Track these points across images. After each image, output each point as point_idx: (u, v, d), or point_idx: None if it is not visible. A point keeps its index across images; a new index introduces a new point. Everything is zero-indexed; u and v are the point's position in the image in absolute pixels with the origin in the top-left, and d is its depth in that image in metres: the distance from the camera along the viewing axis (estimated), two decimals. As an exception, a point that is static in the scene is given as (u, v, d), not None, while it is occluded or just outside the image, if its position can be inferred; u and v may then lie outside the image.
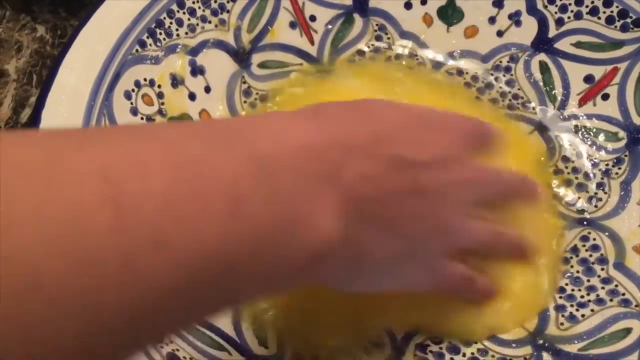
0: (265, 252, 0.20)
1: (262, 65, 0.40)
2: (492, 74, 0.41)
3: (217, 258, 0.18)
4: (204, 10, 0.39)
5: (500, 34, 0.41)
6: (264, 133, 0.22)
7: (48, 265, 0.15)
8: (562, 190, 0.38)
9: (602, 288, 0.34)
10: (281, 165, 0.21)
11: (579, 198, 0.37)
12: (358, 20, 0.42)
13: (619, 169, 0.38)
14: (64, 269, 0.15)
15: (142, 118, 0.35)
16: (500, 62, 0.41)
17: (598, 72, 0.39)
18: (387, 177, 0.24)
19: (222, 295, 0.20)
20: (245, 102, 0.40)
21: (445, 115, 0.29)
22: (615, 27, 0.39)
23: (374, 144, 0.24)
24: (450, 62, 0.42)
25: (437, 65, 0.42)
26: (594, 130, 0.39)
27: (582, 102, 0.40)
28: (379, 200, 0.24)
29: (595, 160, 0.38)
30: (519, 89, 0.41)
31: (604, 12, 0.39)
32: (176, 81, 0.37)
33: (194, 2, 0.38)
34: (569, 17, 0.40)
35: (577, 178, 0.38)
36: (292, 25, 0.41)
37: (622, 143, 0.38)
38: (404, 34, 0.42)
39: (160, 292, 0.17)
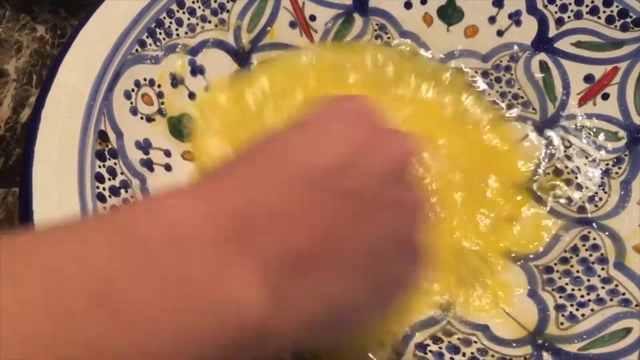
0: (172, 350, 0.16)
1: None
2: (492, 74, 0.41)
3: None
4: (203, 10, 0.39)
5: (500, 33, 0.41)
6: (143, 214, 0.19)
7: None
8: (562, 190, 0.38)
9: (602, 288, 0.34)
10: (167, 241, 0.18)
11: (579, 198, 0.37)
12: (358, 20, 0.42)
13: (619, 168, 0.38)
14: None
15: (142, 117, 0.35)
16: (500, 61, 0.41)
17: (598, 71, 0.39)
18: (311, 206, 0.21)
19: None
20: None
21: (334, 104, 0.25)
22: (616, 26, 0.39)
23: (286, 175, 0.21)
24: (450, 62, 0.42)
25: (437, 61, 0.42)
26: (594, 129, 0.39)
27: (582, 102, 0.40)
28: (313, 239, 0.20)
29: (596, 160, 0.38)
30: (519, 89, 0.41)
31: (604, 12, 0.39)
32: (176, 81, 0.37)
33: (193, 2, 0.38)
34: (569, 17, 0.40)
35: (577, 178, 0.38)
36: (292, 24, 0.41)
37: (622, 142, 0.38)
38: (404, 34, 0.42)
39: None
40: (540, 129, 0.40)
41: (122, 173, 0.32)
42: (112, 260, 0.16)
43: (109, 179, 0.31)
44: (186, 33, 0.38)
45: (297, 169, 0.21)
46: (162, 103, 0.36)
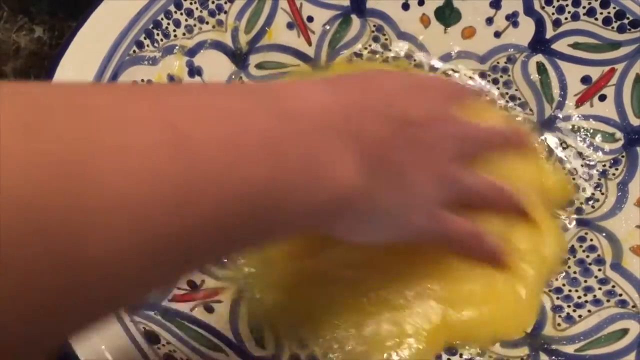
0: (298, 190, 0.23)
1: (259, 66, 0.40)
2: (489, 75, 0.41)
3: (261, 192, 0.21)
4: (201, 11, 0.39)
5: (497, 34, 0.41)
6: (293, 94, 0.25)
7: (119, 186, 0.17)
8: (559, 191, 0.38)
9: (599, 289, 0.34)
10: (309, 121, 0.24)
11: (576, 199, 0.38)
12: (355, 21, 0.42)
13: (616, 169, 0.38)
14: (127, 190, 0.17)
15: (139, 119, 0.35)
16: (498, 63, 0.41)
17: (595, 73, 0.39)
18: (393, 134, 0.27)
19: (261, 226, 0.23)
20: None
21: (431, 80, 0.34)
22: (613, 28, 0.39)
23: (381, 106, 0.28)
24: (448, 63, 0.42)
25: (434, 66, 0.42)
26: (591, 131, 0.39)
27: (579, 103, 0.40)
28: (387, 155, 0.27)
29: (593, 161, 0.38)
30: (516, 90, 0.41)
31: (601, 13, 0.39)
32: (174, 82, 0.37)
33: (191, 3, 0.38)
34: (566, 18, 0.40)
35: (574, 179, 0.38)
36: (290, 26, 0.41)
37: (619, 144, 0.38)
38: (402, 35, 0.42)
39: (213, 220, 0.20)
40: (537, 130, 0.40)
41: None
42: (272, 124, 0.23)
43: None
44: (184, 34, 0.38)
45: (386, 105, 0.28)
46: (160, 104, 0.36)
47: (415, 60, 0.42)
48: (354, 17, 0.42)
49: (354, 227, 0.28)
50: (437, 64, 0.42)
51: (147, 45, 0.36)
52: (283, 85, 0.27)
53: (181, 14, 0.38)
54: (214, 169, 0.20)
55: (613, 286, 0.34)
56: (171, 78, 0.37)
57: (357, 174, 0.25)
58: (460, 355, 0.33)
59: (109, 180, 0.17)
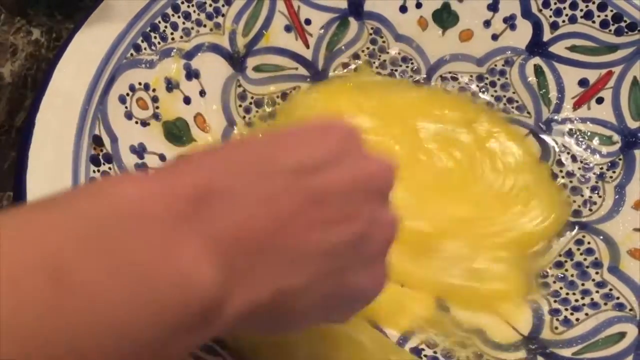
0: (123, 327, 0.17)
1: (257, 69, 0.40)
2: (487, 78, 0.41)
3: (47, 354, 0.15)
4: (199, 14, 0.39)
5: (495, 37, 0.41)
6: (95, 195, 0.19)
7: None
8: (556, 194, 0.38)
9: (597, 292, 0.34)
10: (119, 220, 0.18)
11: (574, 201, 0.38)
12: (353, 24, 0.42)
13: (614, 172, 0.38)
14: None
15: (136, 122, 0.35)
16: (495, 65, 0.41)
17: (592, 75, 0.39)
18: (270, 199, 0.21)
19: None
20: (240, 105, 0.39)
21: (319, 122, 0.25)
22: (610, 30, 0.39)
23: (245, 172, 0.21)
24: (445, 66, 0.42)
25: (431, 69, 0.42)
26: (589, 133, 0.39)
27: (576, 106, 0.40)
28: (265, 227, 0.20)
29: (590, 164, 0.38)
30: (513, 93, 0.41)
31: (599, 16, 0.39)
32: (171, 85, 0.37)
33: (189, 6, 0.38)
34: (563, 21, 0.40)
35: (571, 182, 0.38)
36: (287, 28, 0.41)
37: (617, 147, 0.38)
38: (399, 38, 0.42)
39: None
40: (534, 133, 0.40)
41: (116, 177, 0.32)
42: (66, 239, 0.17)
43: (104, 184, 0.31)
44: (181, 37, 0.38)
45: (265, 161, 0.21)
46: (157, 107, 0.36)
47: (412, 63, 0.42)
48: (351, 19, 0.42)
49: (265, 328, 0.23)
50: (435, 66, 0.42)
51: (145, 48, 0.36)
52: (95, 184, 0.20)
53: (179, 17, 0.38)
54: None
55: (610, 289, 0.34)
56: (168, 81, 0.37)
57: (212, 272, 0.18)
58: (457, 359, 0.33)
59: None
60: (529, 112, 0.40)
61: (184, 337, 0.18)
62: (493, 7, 0.41)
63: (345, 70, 0.42)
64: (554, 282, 0.35)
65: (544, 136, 0.40)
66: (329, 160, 0.22)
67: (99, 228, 0.17)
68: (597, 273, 0.35)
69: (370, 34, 0.42)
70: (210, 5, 0.39)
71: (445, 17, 0.42)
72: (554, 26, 0.40)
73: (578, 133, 0.39)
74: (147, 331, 0.17)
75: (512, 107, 0.41)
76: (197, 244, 0.18)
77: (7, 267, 0.15)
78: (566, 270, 0.35)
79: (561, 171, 0.38)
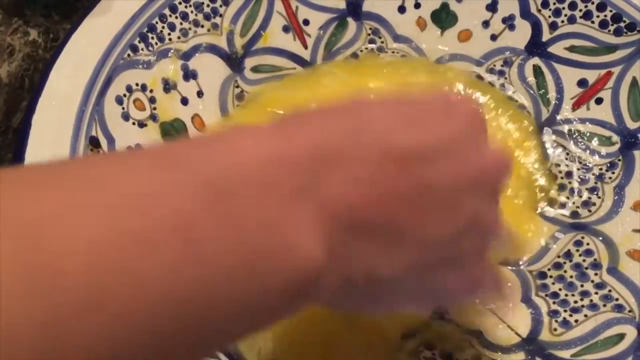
0: (235, 287, 0.18)
1: (255, 69, 0.40)
2: (485, 79, 0.41)
3: (172, 305, 0.16)
4: (196, 15, 0.39)
5: (494, 37, 0.41)
6: (218, 152, 0.19)
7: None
8: (555, 195, 0.38)
9: (596, 293, 0.34)
10: (241, 185, 0.18)
11: (573, 203, 0.37)
12: (351, 24, 0.42)
13: (613, 173, 0.38)
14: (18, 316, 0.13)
15: (133, 123, 0.35)
16: (494, 66, 0.41)
17: (592, 76, 0.39)
18: (382, 177, 0.20)
19: (196, 344, 0.17)
20: (238, 106, 0.39)
21: (444, 97, 0.25)
22: (609, 31, 0.39)
23: (359, 143, 0.20)
24: (444, 67, 0.42)
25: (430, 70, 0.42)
26: (588, 134, 0.39)
27: (575, 106, 0.40)
28: (374, 207, 0.20)
29: (589, 165, 0.38)
30: (512, 93, 0.41)
31: (598, 16, 0.39)
32: (168, 86, 0.37)
33: (186, 7, 0.38)
34: (562, 21, 0.40)
35: (570, 182, 0.38)
36: (285, 29, 0.41)
37: (616, 147, 0.38)
38: (398, 38, 0.42)
39: (140, 333, 0.15)
40: (533, 133, 0.40)
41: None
42: (194, 200, 0.17)
43: (100, 185, 0.31)
44: (179, 38, 0.38)
45: (381, 134, 0.21)
46: (155, 108, 0.36)
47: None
48: (350, 20, 0.42)
49: (347, 303, 0.23)
50: (433, 67, 0.42)
51: (142, 49, 0.36)
52: (204, 142, 0.20)
53: (176, 17, 0.38)
54: (81, 292, 0.15)
55: (609, 291, 0.34)
56: (166, 82, 0.37)
57: (321, 244, 0.19)
58: (456, 361, 0.33)
59: None
60: (528, 113, 0.40)
61: (283, 306, 0.20)
62: (492, 8, 0.41)
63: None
64: (553, 283, 0.35)
65: (542, 137, 0.39)
66: (448, 148, 0.21)
67: (221, 192, 0.18)
68: (596, 274, 0.35)
69: (369, 35, 0.42)
70: (208, 5, 0.39)
71: (444, 18, 0.42)
72: (553, 26, 0.40)
73: (577, 134, 0.39)
74: (252, 298, 0.18)
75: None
76: (309, 216, 0.19)
77: (138, 221, 0.16)
78: (565, 271, 0.35)
79: (560, 172, 0.38)
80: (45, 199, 0.15)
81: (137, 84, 0.35)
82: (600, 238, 0.36)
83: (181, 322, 0.16)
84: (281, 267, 0.18)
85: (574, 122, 0.39)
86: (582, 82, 0.39)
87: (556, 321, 0.34)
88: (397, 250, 0.21)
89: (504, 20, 0.41)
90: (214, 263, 0.17)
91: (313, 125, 0.21)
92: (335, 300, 0.22)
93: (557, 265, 0.35)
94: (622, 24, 0.38)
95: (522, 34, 0.41)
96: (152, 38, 0.37)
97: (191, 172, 0.18)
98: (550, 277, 0.35)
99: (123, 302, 0.15)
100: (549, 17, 0.40)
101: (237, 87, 0.40)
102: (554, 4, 0.40)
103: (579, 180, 0.38)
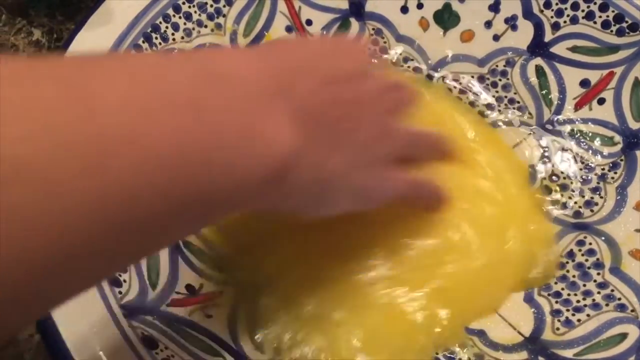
0: (230, 155, 0.21)
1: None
2: (488, 78, 0.41)
3: (187, 153, 0.19)
4: (200, 15, 0.39)
5: (496, 38, 0.41)
6: (222, 57, 0.24)
7: (29, 156, 0.15)
8: (558, 195, 0.38)
9: (598, 293, 0.34)
10: (236, 80, 0.22)
11: (575, 202, 0.38)
12: (354, 25, 0.42)
13: (615, 173, 0.38)
14: (41, 162, 0.15)
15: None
16: (497, 66, 0.41)
17: (594, 76, 0.39)
18: (327, 92, 0.26)
19: (194, 202, 0.20)
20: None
21: (348, 42, 0.34)
22: (611, 31, 0.39)
23: (310, 66, 0.26)
24: (446, 67, 0.42)
25: (432, 69, 0.42)
26: (590, 134, 0.39)
27: (578, 107, 0.40)
28: (325, 113, 0.26)
29: (591, 165, 0.38)
30: (515, 94, 0.41)
31: (600, 17, 0.39)
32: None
33: (190, 7, 0.38)
34: (564, 22, 0.40)
35: (572, 182, 0.38)
36: (289, 29, 0.41)
37: (618, 147, 0.38)
38: (400, 38, 0.42)
39: (133, 190, 0.17)
40: (536, 133, 0.40)
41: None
42: (197, 89, 0.20)
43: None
44: (182, 38, 0.38)
45: (317, 66, 0.27)
46: (158, 108, 0.36)
47: (413, 63, 0.42)
48: (352, 20, 0.42)
49: (303, 200, 0.27)
50: (436, 67, 0.42)
51: (146, 49, 0.36)
52: (210, 49, 0.27)
53: (180, 17, 0.38)
54: (122, 127, 0.17)
55: (612, 290, 0.34)
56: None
57: (293, 137, 0.23)
58: (459, 360, 0.33)
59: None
60: (530, 113, 0.40)
61: (259, 196, 0.23)
62: (494, 8, 0.41)
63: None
64: (556, 282, 0.35)
65: (545, 137, 0.39)
66: (360, 73, 0.29)
67: (223, 84, 0.21)
68: (598, 274, 0.35)
69: (372, 35, 0.42)
70: (211, 5, 0.39)
71: (446, 18, 0.42)
72: (556, 27, 0.40)
73: (579, 134, 0.39)
74: (238, 166, 0.21)
75: (514, 108, 0.41)
76: (286, 112, 0.23)
77: (142, 100, 0.18)
78: (567, 271, 0.35)
79: (562, 172, 0.38)
80: (97, 69, 0.19)
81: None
82: (603, 238, 0.36)
83: (190, 172, 0.19)
84: (264, 148, 0.22)
85: (577, 122, 0.39)
86: (584, 83, 0.40)
87: (559, 320, 0.34)
88: (338, 151, 0.26)
89: (507, 21, 0.41)
90: (214, 130, 0.20)
91: (276, 51, 0.27)
92: (298, 200, 0.26)
93: (560, 265, 0.36)
94: (624, 25, 0.38)
95: (524, 35, 0.41)
96: (156, 38, 0.37)
97: (196, 65, 0.22)
98: (553, 276, 0.35)
99: (150, 142, 0.18)
100: (552, 17, 0.40)
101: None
102: (557, 4, 0.40)
103: (582, 180, 0.38)
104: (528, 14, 0.40)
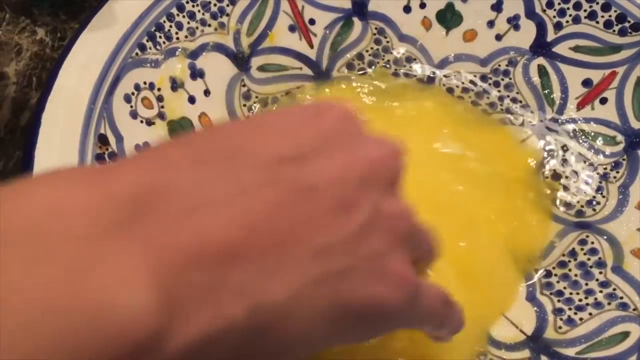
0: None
1: (261, 68, 0.41)
2: (490, 78, 0.41)
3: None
4: (203, 14, 0.39)
5: (499, 37, 0.41)
6: (9, 197, 0.15)
7: None
8: (560, 194, 0.38)
9: (600, 292, 0.34)
10: (36, 230, 0.14)
11: (577, 201, 0.38)
12: (357, 24, 0.42)
13: (617, 172, 0.38)
14: None
15: (142, 121, 0.35)
16: (499, 66, 0.41)
17: (596, 76, 0.39)
18: (244, 192, 0.17)
19: None
20: (244, 105, 0.40)
21: (300, 107, 0.21)
22: (614, 31, 0.39)
23: (222, 155, 0.17)
24: (449, 66, 0.42)
25: (435, 68, 0.42)
26: (592, 134, 0.39)
27: (580, 106, 0.40)
28: (236, 230, 0.17)
29: (594, 164, 0.38)
30: (517, 93, 0.41)
31: (602, 16, 0.39)
32: (176, 84, 0.37)
33: (193, 6, 0.38)
34: (567, 21, 0.40)
35: (575, 182, 0.38)
36: (292, 28, 0.41)
37: (620, 147, 0.38)
38: (403, 38, 0.42)
39: None
40: (538, 133, 0.40)
41: (122, 176, 0.32)
42: None
43: (109, 183, 0.31)
44: (186, 37, 0.38)
45: (238, 150, 0.18)
46: (162, 107, 0.36)
47: (416, 63, 0.42)
48: (355, 19, 0.42)
49: (262, 353, 0.18)
50: (438, 66, 0.42)
51: (150, 48, 0.36)
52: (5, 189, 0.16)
53: (183, 16, 0.38)
54: None
55: (614, 289, 0.34)
56: (173, 80, 0.37)
57: (156, 294, 0.15)
58: None
59: None
60: (532, 112, 0.40)
61: None
62: (497, 8, 0.41)
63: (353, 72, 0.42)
64: (558, 281, 0.35)
65: (547, 136, 0.40)
66: (318, 147, 0.19)
67: (6, 244, 0.14)
68: (600, 273, 0.35)
69: (374, 34, 0.42)
70: (215, 5, 0.39)
71: (449, 17, 0.42)
72: (558, 26, 0.40)
73: (582, 133, 0.39)
74: None
75: (516, 107, 0.41)
76: (133, 259, 0.15)
77: None
78: (570, 270, 0.35)
79: (564, 171, 0.38)
80: None
81: (145, 83, 0.36)
82: (605, 237, 0.36)
83: None
84: (93, 330, 0.14)
85: (579, 122, 0.40)
86: (586, 82, 0.40)
87: (561, 319, 0.34)
88: (283, 273, 0.17)
89: (509, 20, 0.41)
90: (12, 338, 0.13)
91: (144, 160, 0.18)
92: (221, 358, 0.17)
93: (562, 264, 0.36)
94: (626, 24, 0.39)
95: (527, 34, 0.41)
96: (160, 37, 0.37)
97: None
98: (555, 275, 0.35)
99: None
100: (554, 17, 0.40)
101: (244, 86, 0.40)
102: (559, 4, 0.40)
103: (584, 179, 0.38)
104: (530, 13, 0.41)
